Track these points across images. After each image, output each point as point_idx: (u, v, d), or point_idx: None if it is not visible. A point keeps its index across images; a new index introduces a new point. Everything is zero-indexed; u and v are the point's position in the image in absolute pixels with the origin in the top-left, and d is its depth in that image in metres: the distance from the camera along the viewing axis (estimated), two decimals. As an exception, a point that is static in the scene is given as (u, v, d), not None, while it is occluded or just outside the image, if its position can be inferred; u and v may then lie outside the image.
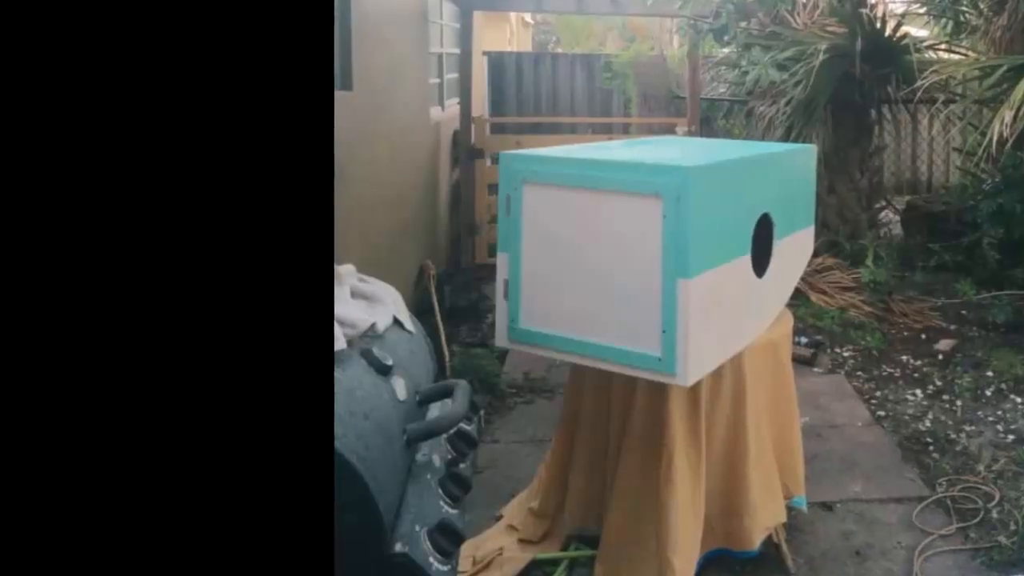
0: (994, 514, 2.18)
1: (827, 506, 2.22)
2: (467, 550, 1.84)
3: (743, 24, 4.25)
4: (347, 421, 1.08)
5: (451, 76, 4.96)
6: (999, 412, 2.85)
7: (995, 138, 3.42)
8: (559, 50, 10.01)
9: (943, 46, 4.60)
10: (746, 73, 4.28)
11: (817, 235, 2.51)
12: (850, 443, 2.59)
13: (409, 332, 1.47)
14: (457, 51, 4.81)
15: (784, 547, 1.96)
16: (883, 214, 4.90)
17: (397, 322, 1.44)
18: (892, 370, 3.23)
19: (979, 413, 2.84)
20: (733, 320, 1.76)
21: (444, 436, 1.33)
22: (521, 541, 1.97)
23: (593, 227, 1.66)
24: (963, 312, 3.80)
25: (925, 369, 3.21)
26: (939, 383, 3.09)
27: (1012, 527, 2.12)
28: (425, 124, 4.07)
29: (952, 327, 3.64)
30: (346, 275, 1.47)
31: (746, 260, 1.77)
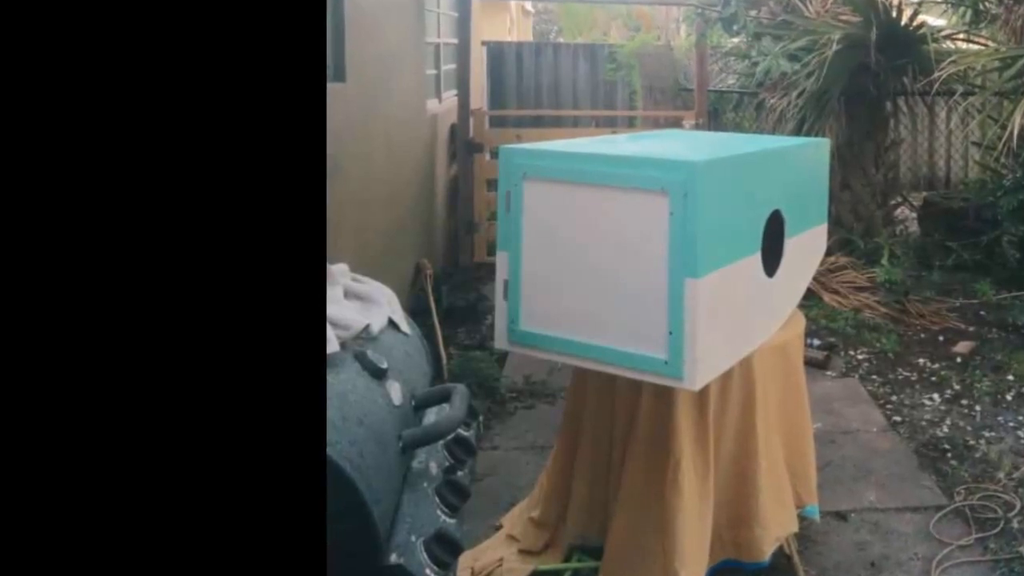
0: (1015, 524, 2.13)
1: (841, 515, 2.17)
2: (465, 561, 1.82)
3: (753, 13, 4.19)
4: (340, 427, 1.05)
5: (448, 67, 4.88)
6: (1020, 417, 2.80)
7: (1015, 131, 3.35)
8: (561, 40, 9.91)
9: (961, 36, 4.51)
10: (756, 64, 4.20)
11: (830, 233, 2.45)
12: (865, 450, 2.55)
13: (405, 334, 1.43)
14: (455, 41, 4.74)
15: (796, 558, 1.92)
16: (899, 211, 4.85)
17: (392, 323, 1.40)
18: (908, 373, 3.17)
19: (999, 418, 2.79)
20: (742, 321, 1.72)
21: (441, 442, 1.30)
22: (521, 551, 1.94)
23: (596, 225, 1.62)
24: (982, 313, 3.73)
25: (943, 372, 3.15)
26: (957, 387, 3.03)
27: (1034, 538, 2.05)
28: (421, 117, 4.01)
29: (971, 329, 3.58)
30: (339, 275, 1.43)
31: (756, 259, 1.72)
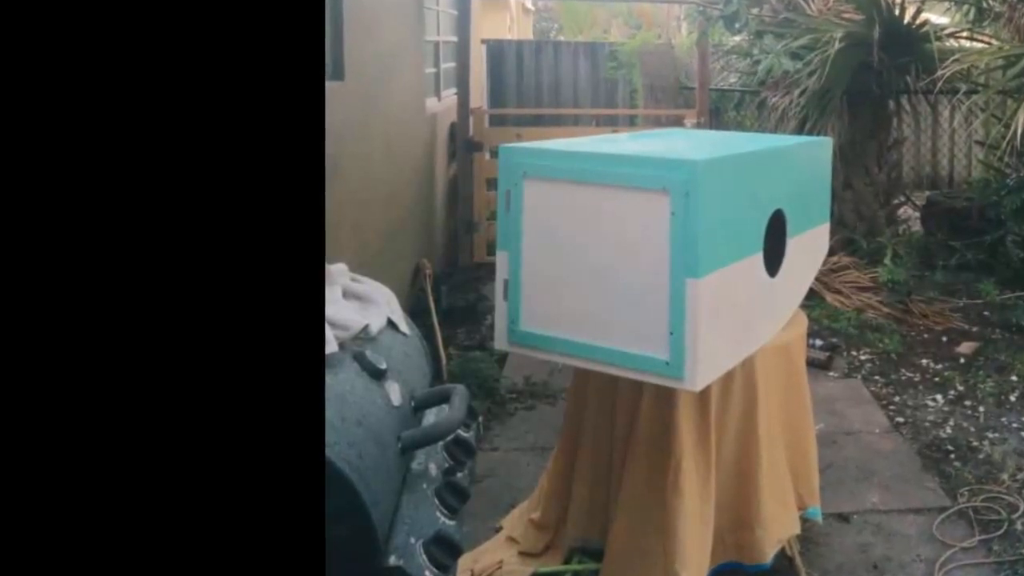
0: (1018, 525, 2.12)
1: (843, 517, 2.16)
2: (465, 563, 1.81)
3: (755, 11, 4.17)
4: (339, 428, 1.04)
5: (448, 65, 4.87)
6: (1024, 418, 2.76)
7: (1019, 130, 3.33)
8: (561, 38, 9.89)
9: (965, 34, 4.49)
10: (758, 62, 4.19)
11: (832, 232, 2.42)
12: (867, 451, 2.53)
13: (404, 334, 1.42)
14: (455, 39, 4.73)
15: (798, 560, 1.90)
16: (902, 210, 4.82)
17: (391, 324, 1.39)
18: (911, 374, 3.16)
19: (1003, 419, 2.77)
20: (744, 322, 1.70)
21: (441, 444, 1.28)
22: (521, 554, 1.92)
23: (597, 224, 1.60)
24: (986, 313, 3.72)
25: (946, 373, 3.14)
26: (961, 388, 3.02)
27: (1038, 540, 2.04)
28: (421, 116, 4.00)
29: (974, 329, 3.56)
30: (337, 274, 1.42)
31: (758, 259, 1.71)
